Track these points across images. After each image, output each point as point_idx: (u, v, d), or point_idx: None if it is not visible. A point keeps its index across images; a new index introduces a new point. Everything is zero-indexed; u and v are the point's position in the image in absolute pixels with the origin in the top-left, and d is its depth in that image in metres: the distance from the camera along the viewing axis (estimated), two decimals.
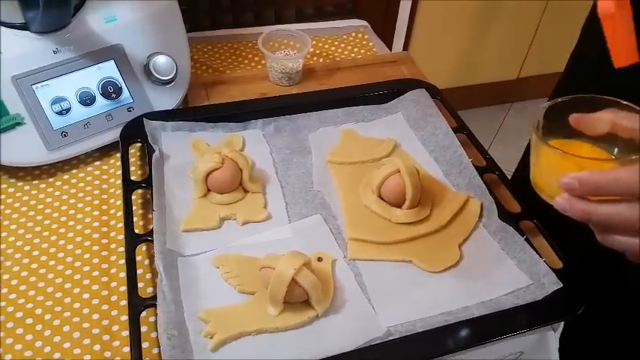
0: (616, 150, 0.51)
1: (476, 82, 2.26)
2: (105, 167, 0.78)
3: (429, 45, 1.97)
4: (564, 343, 0.65)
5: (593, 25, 0.78)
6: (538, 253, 0.65)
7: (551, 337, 0.64)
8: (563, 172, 0.46)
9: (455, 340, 0.58)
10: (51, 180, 0.76)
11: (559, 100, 0.53)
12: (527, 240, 0.67)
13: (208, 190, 0.70)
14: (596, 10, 0.70)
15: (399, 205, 0.70)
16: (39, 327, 0.60)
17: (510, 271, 0.65)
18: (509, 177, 0.85)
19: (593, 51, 0.76)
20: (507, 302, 0.62)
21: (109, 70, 0.78)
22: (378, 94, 0.88)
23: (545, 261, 0.64)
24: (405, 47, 1.89)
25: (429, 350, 0.57)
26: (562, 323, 0.64)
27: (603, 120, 0.51)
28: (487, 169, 0.76)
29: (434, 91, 0.87)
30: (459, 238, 0.69)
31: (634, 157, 0.46)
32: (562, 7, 2.02)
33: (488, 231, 0.70)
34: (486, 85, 2.29)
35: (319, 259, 0.65)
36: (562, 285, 0.62)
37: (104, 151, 0.80)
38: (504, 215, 0.70)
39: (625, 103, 0.50)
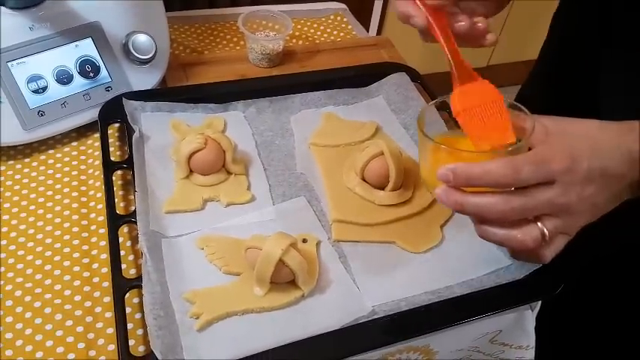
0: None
1: (446, 69, 2.28)
2: (82, 148, 0.77)
3: (401, 31, 1.97)
4: (540, 322, 0.67)
5: (560, 17, 0.79)
6: None
7: (529, 316, 0.66)
8: (440, 164, 0.47)
9: (438, 319, 0.59)
10: (27, 160, 0.74)
11: (444, 99, 0.55)
12: None
13: (191, 171, 0.70)
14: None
15: (382, 188, 0.71)
16: (19, 309, 0.59)
17: (491, 252, 0.67)
18: None
19: (563, 45, 0.78)
20: (489, 281, 0.63)
21: (86, 48, 0.76)
22: (359, 77, 0.88)
23: None
24: (379, 32, 1.90)
25: (413, 328, 0.59)
26: (539, 303, 0.66)
27: None
28: None
29: (414, 75, 0.88)
30: (440, 219, 0.70)
31: (510, 149, 0.47)
32: None
33: None
34: None
35: (304, 241, 0.65)
36: (541, 265, 0.63)
37: (81, 132, 0.78)
38: None
39: (516, 104, 0.51)
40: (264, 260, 0.57)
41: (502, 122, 0.51)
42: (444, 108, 0.56)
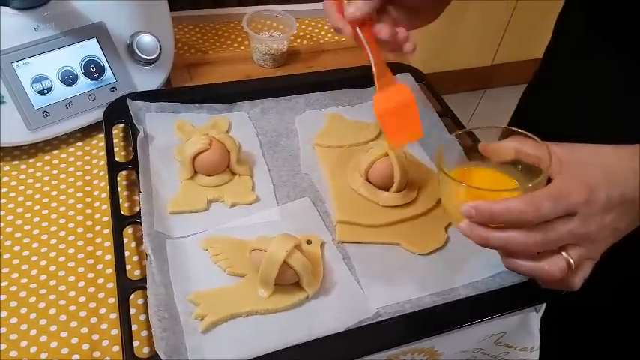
0: (520, 176, 0.54)
1: (450, 68, 2.28)
2: (87, 148, 0.77)
3: None
4: (545, 323, 0.67)
5: (565, 18, 0.79)
6: None
7: (534, 318, 0.65)
8: (461, 199, 0.49)
9: (443, 321, 0.59)
10: (32, 161, 0.74)
11: (470, 129, 0.60)
12: None
13: (195, 172, 0.70)
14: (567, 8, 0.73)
15: (386, 189, 0.70)
16: (23, 310, 0.59)
17: (496, 254, 0.66)
18: None
19: (567, 45, 0.77)
20: (494, 284, 0.63)
21: (91, 48, 0.76)
22: (363, 77, 0.87)
23: None
24: None
25: (417, 330, 0.59)
26: (544, 304, 0.66)
27: (509, 147, 0.53)
28: None
29: (419, 76, 0.88)
30: (445, 220, 0.70)
31: (530, 185, 0.48)
32: None
33: None
34: (460, 71, 2.31)
35: (308, 242, 0.65)
36: None
37: (85, 132, 0.78)
38: None
39: (528, 134, 0.52)
40: (269, 262, 0.57)
41: (413, 123, 0.59)
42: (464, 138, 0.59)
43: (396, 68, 0.88)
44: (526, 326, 0.66)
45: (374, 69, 0.59)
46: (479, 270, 0.65)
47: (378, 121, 0.60)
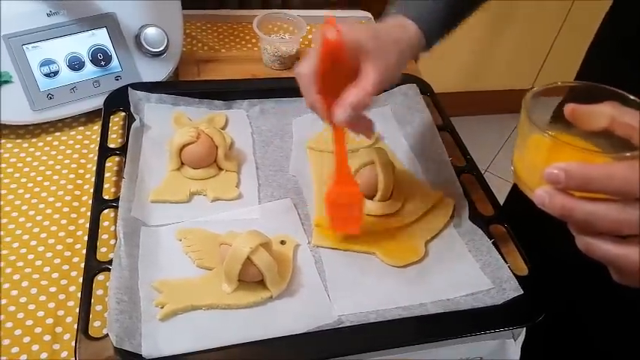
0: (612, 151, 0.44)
1: (488, 89, 2.24)
2: (88, 133, 0.79)
3: (441, 45, 1.94)
4: (527, 353, 0.64)
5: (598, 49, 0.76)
6: (504, 258, 0.64)
7: (511, 346, 0.63)
8: (549, 161, 0.40)
9: (405, 335, 0.58)
10: (34, 140, 0.77)
11: (557, 84, 0.47)
12: (494, 244, 0.66)
13: (182, 163, 0.71)
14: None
15: (370, 197, 0.70)
16: None
17: (473, 273, 0.65)
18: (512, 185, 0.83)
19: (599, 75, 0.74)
20: (465, 303, 0.61)
21: (100, 37, 0.78)
22: None
23: (510, 266, 0.63)
24: None
25: (379, 341, 0.57)
26: (523, 332, 0.63)
27: (602, 114, 0.44)
28: (466, 169, 0.76)
29: (425, 87, 0.87)
30: (426, 235, 0.68)
31: (629, 154, 0.40)
32: (583, 17, 1.99)
33: (457, 231, 0.69)
34: (499, 92, 2.26)
35: (282, 242, 0.65)
36: (522, 292, 0.61)
37: (90, 117, 0.81)
38: (475, 217, 0.69)
39: (630, 97, 0.44)
40: (232, 257, 0.57)
41: (353, 220, 0.65)
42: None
43: (403, 78, 0.87)
44: (504, 353, 0.64)
45: (336, 164, 0.63)
46: (451, 288, 0.63)
47: (326, 207, 0.65)
